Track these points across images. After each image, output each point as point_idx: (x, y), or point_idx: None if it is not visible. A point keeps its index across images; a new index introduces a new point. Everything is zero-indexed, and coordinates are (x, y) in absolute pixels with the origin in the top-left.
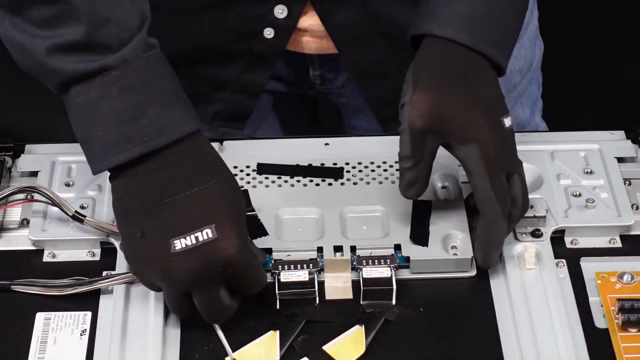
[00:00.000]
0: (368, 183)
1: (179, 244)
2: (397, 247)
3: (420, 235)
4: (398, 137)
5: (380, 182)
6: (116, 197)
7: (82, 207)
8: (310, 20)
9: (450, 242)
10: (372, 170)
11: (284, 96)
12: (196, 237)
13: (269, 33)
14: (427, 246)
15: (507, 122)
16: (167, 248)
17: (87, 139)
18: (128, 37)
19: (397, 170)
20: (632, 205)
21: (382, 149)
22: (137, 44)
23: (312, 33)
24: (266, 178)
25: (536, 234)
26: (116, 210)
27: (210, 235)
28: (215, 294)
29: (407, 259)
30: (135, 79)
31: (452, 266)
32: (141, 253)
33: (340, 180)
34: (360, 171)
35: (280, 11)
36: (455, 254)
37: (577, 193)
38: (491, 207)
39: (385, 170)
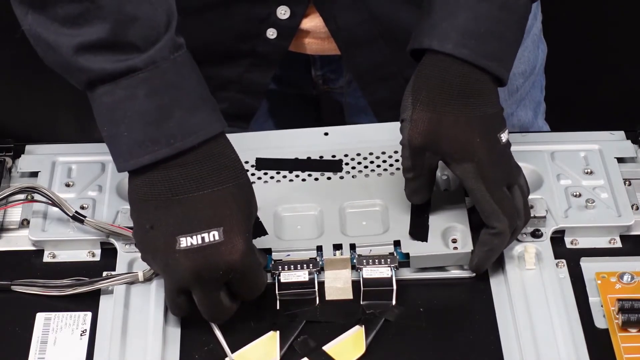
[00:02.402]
0: (367, 175)
1: (185, 241)
2: (397, 244)
3: (419, 231)
4: (397, 124)
5: (379, 174)
6: (131, 188)
7: (82, 208)
8: (313, 22)
9: (450, 235)
10: (371, 162)
11: (286, 96)
12: (202, 238)
13: (271, 34)
14: (426, 241)
15: (504, 137)
16: (173, 244)
17: (112, 138)
18: (155, 36)
19: (396, 160)
20: (632, 206)
21: (381, 137)
22: (164, 44)
23: (314, 34)
24: (265, 174)
25: (536, 234)
26: (130, 200)
27: (217, 237)
28: (214, 295)
29: (407, 255)
30: (162, 81)
31: (453, 260)
32: (148, 245)
33: (339, 174)
34: (359, 163)
35: (283, 12)
36: (455, 248)
37: (577, 193)
38: (498, 219)
39: (384, 161)
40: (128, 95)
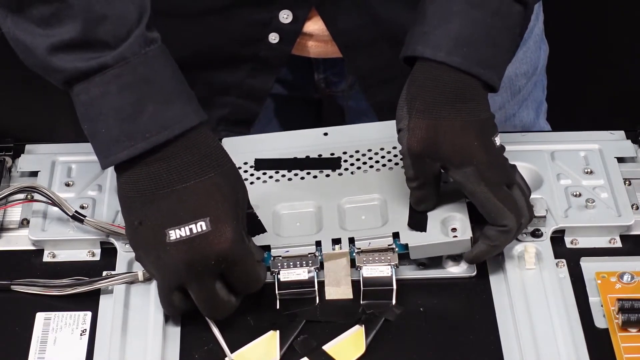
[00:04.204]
0: (365, 171)
1: (174, 234)
2: (396, 236)
3: (418, 222)
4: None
5: (378, 170)
6: (118, 186)
7: (82, 207)
8: (315, 25)
9: (449, 224)
10: (370, 158)
11: (288, 99)
12: (190, 229)
13: (273, 38)
14: (425, 231)
15: (498, 140)
16: (163, 237)
17: (92, 135)
18: (126, 33)
19: (395, 156)
20: (632, 205)
21: (380, 135)
22: (134, 40)
23: (317, 37)
24: (264, 174)
25: (536, 234)
26: (119, 199)
27: (205, 228)
28: (210, 286)
29: (407, 246)
30: (133, 76)
31: (452, 248)
32: (139, 241)
33: (337, 171)
34: (358, 159)
35: (285, 16)
36: (455, 237)
37: (577, 193)
38: (505, 217)
39: (382, 157)
40: (102, 92)
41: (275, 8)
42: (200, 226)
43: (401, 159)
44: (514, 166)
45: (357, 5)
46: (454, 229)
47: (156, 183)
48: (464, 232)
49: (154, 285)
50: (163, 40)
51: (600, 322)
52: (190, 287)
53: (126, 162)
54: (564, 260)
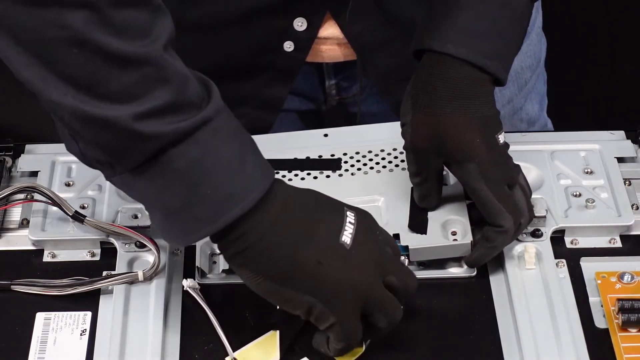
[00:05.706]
0: (366, 173)
1: (346, 237)
2: (396, 237)
3: (418, 224)
4: (395, 123)
5: (378, 171)
6: (264, 259)
7: (82, 207)
8: (329, 30)
9: (450, 227)
10: (370, 159)
11: (296, 112)
12: (350, 222)
13: (289, 46)
14: (425, 234)
15: (502, 138)
16: (343, 249)
17: (187, 206)
18: (204, 88)
19: (395, 157)
20: (632, 205)
21: (381, 137)
22: (217, 94)
23: (331, 42)
24: None
25: (536, 234)
26: (280, 272)
27: (354, 213)
28: (402, 260)
29: (407, 248)
30: (231, 127)
31: (452, 252)
32: (330, 274)
33: (338, 172)
34: (358, 161)
35: (300, 24)
36: (455, 240)
37: (577, 193)
38: (504, 217)
39: (383, 158)
40: (205, 150)
41: (290, 16)
42: (350, 215)
43: (402, 156)
44: (518, 166)
45: (370, 7)
46: (454, 233)
47: (304, 216)
48: (465, 235)
49: (154, 285)
50: (179, 54)
51: (600, 322)
52: (394, 267)
53: (257, 222)
54: (564, 260)
